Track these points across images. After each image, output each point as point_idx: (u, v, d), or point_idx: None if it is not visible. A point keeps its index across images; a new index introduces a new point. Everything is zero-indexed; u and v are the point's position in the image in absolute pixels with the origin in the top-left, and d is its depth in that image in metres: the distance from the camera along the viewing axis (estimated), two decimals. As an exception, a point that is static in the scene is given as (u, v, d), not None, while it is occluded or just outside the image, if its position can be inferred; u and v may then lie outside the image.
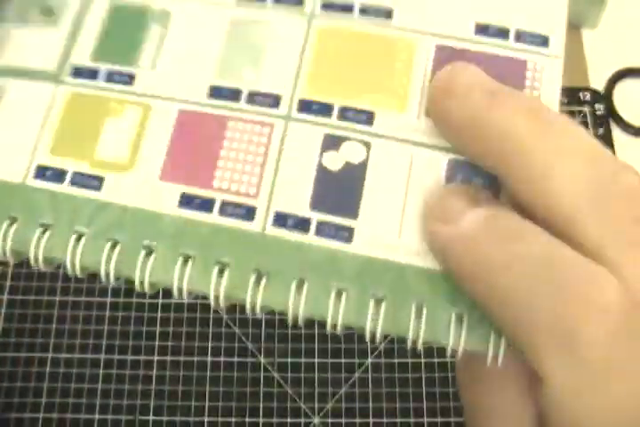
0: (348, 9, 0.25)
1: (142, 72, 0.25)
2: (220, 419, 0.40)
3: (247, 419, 0.40)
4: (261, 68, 0.25)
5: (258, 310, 0.22)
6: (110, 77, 0.25)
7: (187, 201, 0.23)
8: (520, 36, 0.24)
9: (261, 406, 0.40)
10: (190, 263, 0.22)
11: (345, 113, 0.24)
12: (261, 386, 0.40)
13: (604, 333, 0.16)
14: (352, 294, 0.22)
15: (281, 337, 0.42)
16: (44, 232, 0.23)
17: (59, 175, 0.24)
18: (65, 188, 0.24)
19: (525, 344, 0.17)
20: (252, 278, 0.22)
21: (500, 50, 0.24)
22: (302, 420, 0.40)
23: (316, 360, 0.42)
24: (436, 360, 0.41)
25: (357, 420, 0.40)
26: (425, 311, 0.21)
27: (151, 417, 0.39)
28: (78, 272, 0.23)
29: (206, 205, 0.23)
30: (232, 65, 0.25)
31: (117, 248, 0.22)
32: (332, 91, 0.24)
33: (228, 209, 0.23)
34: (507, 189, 0.21)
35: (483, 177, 0.23)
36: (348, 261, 0.22)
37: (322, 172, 0.23)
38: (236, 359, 0.41)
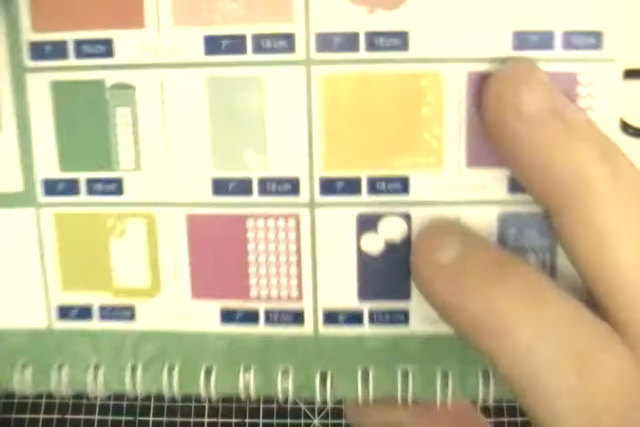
0: (350, 44, 0.20)
1: (128, 176, 0.21)
2: (220, 420, 0.40)
3: (247, 420, 0.40)
4: (265, 147, 0.20)
5: (329, 404, 0.22)
6: (93, 189, 0.21)
7: (228, 316, 0.21)
8: (568, 40, 0.19)
9: (261, 406, 0.40)
10: (252, 374, 0.21)
11: (375, 185, 0.20)
12: None
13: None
14: (418, 372, 0.21)
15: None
16: (96, 370, 0.22)
17: (85, 312, 0.22)
18: (97, 324, 0.22)
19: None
20: (317, 380, 0.21)
21: (544, 64, 0.19)
22: (302, 421, 0.40)
23: None
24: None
25: None
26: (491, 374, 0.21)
27: (151, 418, 0.39)
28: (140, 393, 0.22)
29: (249, 317, 0.21)
30: (229, 148, 0.20)
31: (176, 372, 0.22)
32: (355, 160, 0.20)
33: (273, 317, 0.21)
34: (558, 233, 0.19)
35: (537, 228, 0.20)
36: (409, 343, 0.21)
37: (363, 258, 0.21)
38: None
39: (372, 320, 0.21)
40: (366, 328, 0.21)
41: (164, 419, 0.39)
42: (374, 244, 0.21)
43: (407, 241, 0.20)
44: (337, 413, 0.41)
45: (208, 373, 0.21)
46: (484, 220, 0.20)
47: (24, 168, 0.21)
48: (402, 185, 0.20)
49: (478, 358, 0.21)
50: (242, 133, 0.20)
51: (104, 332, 0.22)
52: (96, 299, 0.22)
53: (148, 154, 0.20)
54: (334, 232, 0.21)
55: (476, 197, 0.20)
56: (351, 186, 0.20)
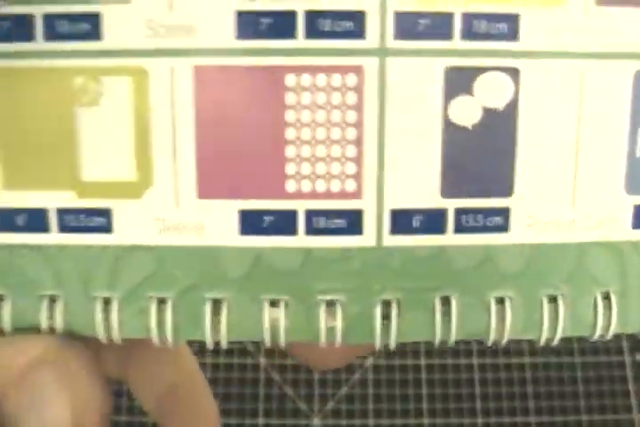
0: None
1: (110, 11, 0.14)
2: (219, 420, 0.37)
3: (247, 420, 0.38)
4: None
5: (392, 345, 0.15)
6: (54, 30, 0.14)
7: (252, 223, 0.14)
8: None
9: (261, 407, 0.39)
10: (283, 309, 0.14)
11: (472, 26, 0.14)
12: (261, 387, 0.38)
13: None
14: (518, 300, 0.14)
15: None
16: (52, 305, 0.14)
17: (37, 220, 0.14)
18: (55, 237, 0.14)
19: None
20: (378, 313, 0.14)
21: None
22: (302, 421, 0.38)
23: None
24: (436, 362, 0.38)
25: (357, 421, 0.38)
26: (614, 300, 0.15)
27: (150, 418, 0.37)
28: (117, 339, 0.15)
29: (284, 222, 0.14)
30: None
31: (169, 306, 0.14)
32: (444, -12, 0.14)
33: (319, 222, 0.14)
34: None
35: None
36: (507, 258, 0.14)
37: (451, 132, 0.14)
38: (235, 361, 0.38)
39: (458, 226, 0.14)
40: (451, 237, 0.14)
41: (164, 419, 0.36)
42: (468, 111, 0.14)
43: (513, 108, 0.14)
44: (337, 413, 0.38)
45: (217, 307, 0.14)
46: (616, 79, 0.14)
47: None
48: (509, 27, 0.14)
49: (600, 278, 0.14)
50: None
51: (66, 248, 0.14)
52: (53, 200, 0.14)
53: (139, -25, 0.13)
54: (412, 93, 0.14)
55: (606, 47, 0.14)
56: (439, 26, 0.14)
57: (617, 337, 0.29)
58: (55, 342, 0.14)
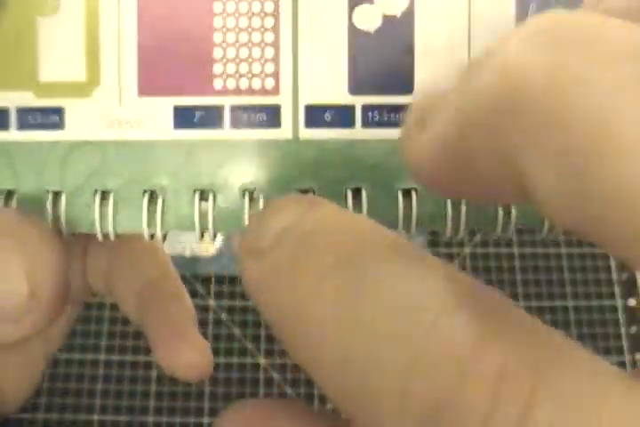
0: None
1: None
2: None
3: None
4: None
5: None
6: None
7: (184, 117, 0.16)
8: None
9: None
10: (211, 197, 0.16)
11: (369, -56, 0.16)
12: (261, 387, 0.38)
13: None
14: (424, 191, 0.16)
15: (280, 337, 0.39)
16: (8, 197, 0.16)
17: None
18: (13, 134, 0.16)
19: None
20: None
21: None
22: None
23: None
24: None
25: None
26: None
27: (150, 418, 0.37)
28: (66, 232, 0.16)
29: (212, 117, 0.16)
30: None
31: (111, 200, 0.16)
32: None
33: (242, 117, 0.16)
34: None
35: (561, 2, 0.16)
36: None
37: (356, 36, 0.16)
38: (235, 360, 0.38)
39: (365, 121, 0.16)
40: (359, 131, 0.16)
41: (164, 419, 0.37)
42: (370, 18, 0.16)
43: (410, 15, 0.16)
44: (337, 413, 0.36)
45: (154, 198, 0.16)
46: None
47: None
48: None
49: None
50: None
51: (22, 145, 0.16)
52: (13, 99, 0.16)
53: None
54: (321, 1, 0.16)
55: None
56: None
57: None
58: (13, 215, 0.15)
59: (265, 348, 0.38)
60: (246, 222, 0.16)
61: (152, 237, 0.16)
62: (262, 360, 0.38)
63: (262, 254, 0.11)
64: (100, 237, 0.16)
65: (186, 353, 0.18)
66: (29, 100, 0.16)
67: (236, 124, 0.16)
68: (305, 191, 0.16)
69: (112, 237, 0.16)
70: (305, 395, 0.38)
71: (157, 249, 0.20)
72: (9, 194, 0.16)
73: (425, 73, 0.16)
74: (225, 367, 0.38)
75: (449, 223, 0.16)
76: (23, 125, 0.16)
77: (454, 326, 0.09)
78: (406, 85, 0.16)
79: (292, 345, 0.11)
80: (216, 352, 0.37)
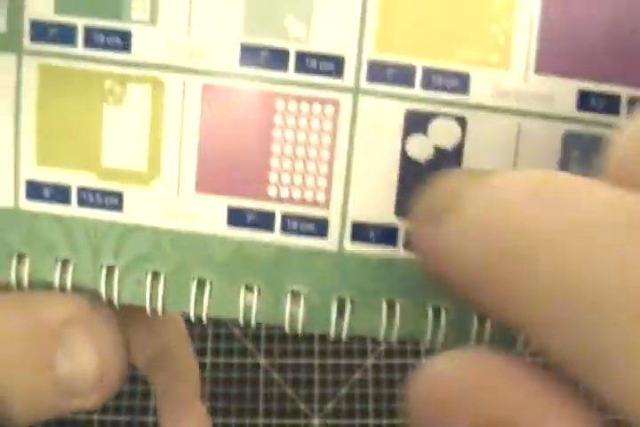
0: None
1: (140, 30, 0.16)
2: (219, 420, 0.38)
3: (247, 420, 0.38)
4: (310, 14, 0.16)
5: (344, 337, 0.18)
6: (93, 40, 0.17)
7: (237, 218, 0.17)
8: None
9: (261, 407, 0.38)
10: (256, 294, 0.18)
11: (431, 78, 0.17)
12: (261, 387, 0.38)
13: None
14: (453, 310, 0.17)
15: (280, 338, 0.39)
16: (65, 266, 0.18)
17: (61, 193, 0.17)
18: (74, 210, 0.18)
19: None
20: (334, 308, 0.17)
21: None
22: (302, 421, 0.38)
23: (316, 361, 0.39)
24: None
25: (357, 421, 0.38)
26: None
27: (150, 418, 0.37)
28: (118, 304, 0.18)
29: (264, 220, 0.17)
30: (266, 10, 0.16)
31: (161, 280, 0.18)
32: (412, 46, 0.17)
33: (292, 224, 0.17)
34: None
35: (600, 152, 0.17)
36: None
37: (407, 164, 0.17)
38: (235, 361, 0.38)
39: (408, 241, 0.17)
40: (400, 250, 0.17)
41: (164, 419, 0.37)
42: (422, 148, 0.17)
43: (459, 150, 0.17)
44: (337, 413, 0.38)
45: (201, 285, 0.17)
46: (547, 137, 0.17)
47: (11, 5, 0.16)
48: (461, 83, 0.17)
49: None
50: (288, -7, 0.16)
51: (82, 220, 0.17)
52: (77, 179, 0.17)
53: (167, 5, 0.16)
54: (377, 128, 0.17)
55: (541, 108, 0.17)
56: (404, 75, 0.16)
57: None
58: (85, 303, 0.16)
59: (265, 348, 0.39)
60: (287, 321, 0.17)
61: (199, 319, 0.18)
62: (262, 360, 0.39)
63: (444, 219, 0.11)
64: (148, 311, 0.18)
65: (187, 424, 0.20)
66: (91, 181, 0.17)
67: (285, 230, 0.17)
68: (342, 300, 0.17)
69: (160, 313, 0.18)
70: (305, 395, 0.39)
71: (176, 317, 0.22)
72: (65, 263, 0.17)
73: None
74: (225, 367, 0.39)
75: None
76: (83, 203, 0.17)
77: None
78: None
79: (512, 305, 0.10)
80: (216, 352, 0.39)
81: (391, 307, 0.17)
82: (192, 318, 0.18)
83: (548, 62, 0.16)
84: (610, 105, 0.16)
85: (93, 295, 0.17)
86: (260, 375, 0.39)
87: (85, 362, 0.16)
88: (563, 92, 0.16)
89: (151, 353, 0.21)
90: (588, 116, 0.17)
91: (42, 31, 0.16)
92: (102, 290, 0.17)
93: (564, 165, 0.17)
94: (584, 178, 0.11)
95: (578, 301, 0.09)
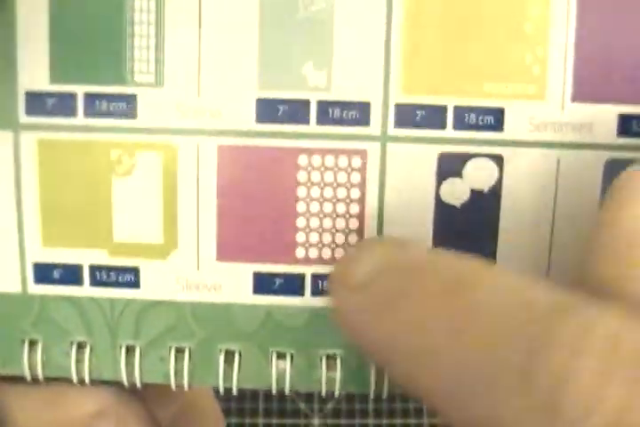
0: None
1: (145, 93, 0.15)
2: None
3: (247, 420, 0.38)
4: (330, 60, 0.15)
5: (384, 395, 0.16)
6: (95, 108, 0.15)
7: (264, 284, 0.16)
8: None
9: (261, 406, 0.38)
10: (288, 361, 0.16)
11: (463, 117, 0.16)
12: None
13: None
14: None
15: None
16: (81, 350, 0.16)
17: (72, 274, 0.16)
18: (87, 290, 0.16)
19: None
20: (372, 371, 0.16)
21: None
22: (302, 421, 0.38)
23: None
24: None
25: (357, 420, 0.38)
26: None
27: None
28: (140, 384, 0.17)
29: (293, 284, 0.16)
30: (282, 60, 0.15)
31: (186, 354, 0.16)
32: (441, 84, 0.15)
33: (324, 285, 0.16)
34: None
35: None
36: None
37: (442, 209, 0.16)
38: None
39: None
40: None
41: (162, 420, 0.36)
42: (457, 192, 0.16)
43: (497, 190, 0.16)
44: (337, 413, 0.38)
45: (229, 357, 0.16)
46: (588, 167, 0.16)
47: (2, 77, 0.15)
48: (495, 119, 0.15)
49: None
50: (301, 41, 0.15)
51: (96, 300, 0.16)
52: (87, 257, 0.16)
53: (173, 65, 0.15)
54: (409, 176, 0.16)
55: (580, 138, 0.16)
56: (434, 117, 0.15)
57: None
58: (113, 396, 0.16)
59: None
60: (323, 385, 0.16)
61: (229, 392, 0.16)
62: None
63: (360, 288, 0.12)
64: (173, 388, 0.16)
65: None
66: (103, 258, 0.16)
67: (316, 292, 0.16)
68: None
69: (186, 388, 0.16)
70: (305, 395, 0.38)
71: None
72: (80, 345, 0.16)
73: (508, 246, 0.16)
74: None
75: None
76: (96, 282, 0.16)
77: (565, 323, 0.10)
78: (488, 258, 0.16)
79: (402, 373, 0.11)
80: None
81: None
82: (221, 392, 0.16)
83: (584, 89, 0.15)
84: None
85: (119, 385, 0.16)
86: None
87: None
88: (601, 118, 0.15)
89: (175, 410, 0.20)
90: (629, 141, 0.16)
91: (38, 103, 0.15)
92: (122, 372, 0.16)
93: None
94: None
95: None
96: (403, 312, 0.11)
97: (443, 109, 0.15)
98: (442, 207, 0.15)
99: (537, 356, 0.10)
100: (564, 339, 0.10)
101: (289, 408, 0.38)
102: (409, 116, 0.15)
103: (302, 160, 0.15)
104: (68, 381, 0.16)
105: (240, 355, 0.16)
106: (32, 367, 0.16)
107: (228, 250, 0.15)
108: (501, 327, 0.10)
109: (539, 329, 0.10)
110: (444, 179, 0.15)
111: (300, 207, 0.15)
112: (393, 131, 0.15)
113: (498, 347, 0.10)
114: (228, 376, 0.16)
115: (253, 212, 0.15)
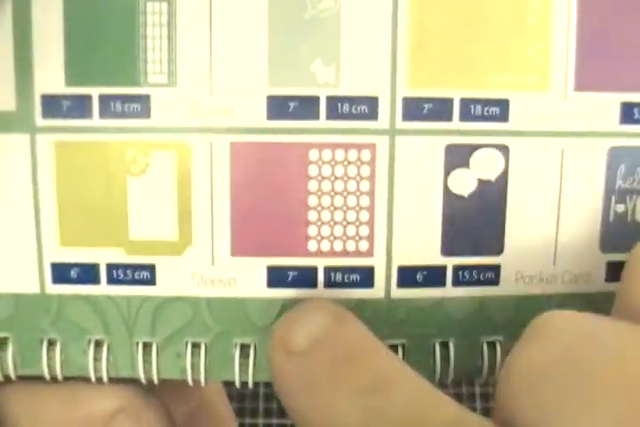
0: None
1: (158, 94, 0.16)
2: None
3: (247, 420, 0.38)
4: (339, 56, 0.16)
5: None
6: (109, 109, 0.16)
7: (278, 278, 0.16)
8: None
9: (261, 406, 0.38)
10: None
11: (469, 109, 0.16)
12: (261, 387, 0.37)
13: None
14: (507, 344, 0.17)
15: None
16: (98, 348, 0.16)
17: (89, 273, 0.16)
18: (104, 289, 0.16)
19: None
20: None
21: None
22: None
23: None
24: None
25: None
26: None
27: None
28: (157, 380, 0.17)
29: (306, 277, 0.16)
30: (291, 58, 0.16)
31: (202, 351, 0.16)
32: (446, 77, 0.16)
33: (336, 277, 0.16)
34: None
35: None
36: (499, 308, 0.17)
37: (450, 200, 0.16)
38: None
39: (455, 281, 0.16)
40: (449, 290, 0.16)
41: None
42: (465, 182, 0.16)
43: (503, 180, 0.16)
44: None
45: (245, 351, 0.16)
46: (592, 155, 0.16)
47: (19, 80, 0.16)
48: (500, 110, 0.16)
49: None
50: (309, 39, 0.15)
51: (113, 298, 0.16)
52: (104, 256, 0.16)
53: (185, 65, 0.16)
54: (417, 167, 0.16)
55: (583, 127, 0.16)
56: (441, 109, 0.16)
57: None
58: (132, 394, 0.16)
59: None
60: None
61: (245, 384, 0.16)
62: None
63: (296, 355, 0.13)
64: (190, 383, 0.16)
65: None
66: (120, 256, 0.16)
67: (329, 283, 0.16)
68: (394, 346, 0.16)
69: (203, 384, 0.16)
70: None
71: None
72: (98, 343, 0.16)
73: (515, 234, 0.16)
74: None
75: None
76: (113, 280, 0.16)
77: None
78: (496, 247, 0.16)
79: None
80: None
81: (444, 348, 0.16)
82: (237, 385, 0.16)
83: (587, 78, 0.15)
84: None
85: (137, 383, 0.16)
86: (259, 375, 0.38)
87: None
88: (604, 106, 0.16)
89: (188, 413, 0.20)
90: (632, 128, 0.16)
91: (54, 106, 0.15)
92: (140, 368, 0.16)
93: (610, 180, 0.16)
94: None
95: None
96: (329, 390, 0.13)
97: (449, 102, 0.16)
98: (450, 197, 0.16)
99: None
100: None
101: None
102: (416, 109, 0.15)
103: (313, 155, 0.16)
104: (86, 380, 0.16)
105: (255, 348, 0.16)
106: (51, 367, 0.16)
107: (242, 245, 0.16)
108: None
109: None
110: (452, 169, 0.16)
111: (312, 201, 0.16)
112: (401, 124, 0.16)
113: None
114: (243, 370, 0.16)
115: (266, 207, 0.16)
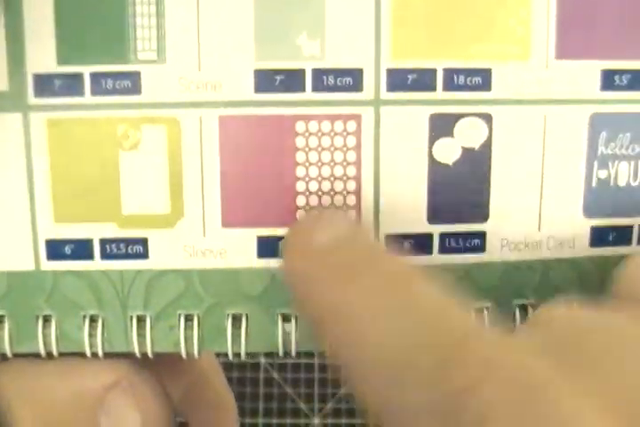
0: None
1: (148, 70, 0.16)
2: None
3: (247, 420, 0.38)
4: (323, 29, 0.16)
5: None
6: (100, 86, 0.16)
7: (268, 248, 0.16)
8: None
9: (261, 406, 0.39)
10: (294, 323, 0.16)
11: (452, 79, 0.16)
12: (261, 386, 0.38)
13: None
14: (495, 309, 0.17)
15: (280, 337, 0.39)
16: (93, 323, 0.16)
17: (83, 248, 0.16)
18: (98, 264, 0.17)
19: None
20: None
21: None
22: (302, 420, 0.38)
23: (316, 361, 0.39)
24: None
25: (357, 420, 0.38)
26: None
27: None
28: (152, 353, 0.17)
29: None
30: (277, 32, 0.16)
31: (195, 322, 0.16)
32: (430, 47, 0.16)
33: None
34: None
35: (633, 132, 0.17)
36: (485, 274, 0.17)
37: (435, 168, 0.17)
38: (235, 360, 0.38)
39: (442, 248, 0.17)
40: (436, 256, 0.17)
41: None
42: (449, 151, 0.17)
43: (487, 148, 0.17)
44: (337, 412, 0.38)
45: (237, 322, 0.16)
46: (574, 121, 0.17)
47: (11, 61, 0.16)
48: (483, 79, 0.16)
49: (562, 288, 0.17)
50: (294, 13, 0.16)
51: (107, 273, 0.16)
52: (97, 231, 0.16)
53: (174, 42, 0.16)
54: (402, 137, 0.16)
55: (565, 94, 0.17)
56: (424, 80, 0.16)
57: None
58: (127, 368, 0.16)
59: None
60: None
61: (238, 355, 0.17)
62: (262, 360, 0.38)
63: (316, 254, 0.14)
64: (184, 355, 0.16)
65: None
66: (113, 231, 0.16)
67: None
68: None
69: (196, 356, 0.16)
70: (305, 395, 0.38)
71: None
72: (93, 319, 0.16)
73: (500, 201, 0.16)
74: (225, 367, 0.39)
75: None
76: (107, 255, 0.16)
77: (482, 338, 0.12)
78: (481, 214, 0.17)
79: (334, 338, 0.13)
80: (216, 352, 0.39)
81: None
82: (230, 356, 0.16)
83: (567, 47, 0.16)
84: (634, 81, 0.16)
85: (132, 357, 0.16)
86: (260, 375, 0.38)
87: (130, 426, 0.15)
88: (585, 74, 0.16)
89: (184, 389, 0.20)
90: (612, 94, 0.16)
91: (46, 84, 0.16)
92: (134, 342, 0.16)
93: (592, 146, 0.16)
94: None
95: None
96: (355, 286, 0.13)
97: (432, 72, 0.16)
98: (435, 166, 0.16)
99: (447, 365, 0.11)
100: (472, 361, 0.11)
101: (289, 408, 0.38)
102: (400, 80, 0.16)
103: (300, 127, 0.16)
104: (82, 355, 0.16)
105: (247, 318, 0.16)
106: (46, 343, 0.16)
107: (233, 216, 0.16)
108: (425, 326, 0.12)
109: (453, 343, 0.11)
110: (436, 138, 0.16)
111: (300, 172, 0.16)
112: (385, 95, 0.16)
113: (417, 345, 0.12)
114: (236, 341, 0.16)
115: (255, 178, 0.16)
